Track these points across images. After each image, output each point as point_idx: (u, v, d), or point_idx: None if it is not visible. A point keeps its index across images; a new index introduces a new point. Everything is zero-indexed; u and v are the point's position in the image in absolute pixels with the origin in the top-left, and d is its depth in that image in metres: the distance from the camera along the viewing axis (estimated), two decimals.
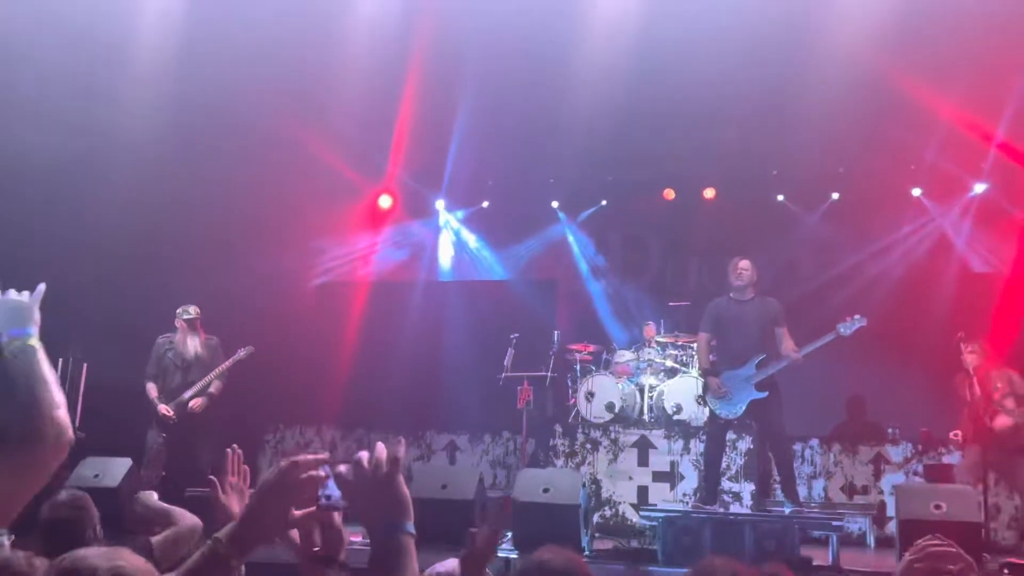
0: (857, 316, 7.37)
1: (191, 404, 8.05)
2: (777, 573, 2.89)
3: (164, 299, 8.68)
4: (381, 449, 1.84)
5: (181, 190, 10.02)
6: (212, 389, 8.18)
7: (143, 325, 8.74)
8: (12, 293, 2.36)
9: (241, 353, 8.29)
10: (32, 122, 8.88)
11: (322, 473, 1.90)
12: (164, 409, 8.02)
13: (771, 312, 7.75)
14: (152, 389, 8.19)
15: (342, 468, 1.87)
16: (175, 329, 8.37)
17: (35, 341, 2.31)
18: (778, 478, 8.22)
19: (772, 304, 7.83)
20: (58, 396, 2.21)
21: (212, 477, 2.50)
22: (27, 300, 2.35)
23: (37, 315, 2.35)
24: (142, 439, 8.10)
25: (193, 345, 8.26)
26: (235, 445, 2.62)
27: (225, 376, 8.25)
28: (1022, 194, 10.16)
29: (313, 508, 1.96)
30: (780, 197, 11.13)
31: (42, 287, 2.40)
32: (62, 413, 2.20)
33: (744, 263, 7.80)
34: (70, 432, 2.21)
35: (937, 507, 6.15)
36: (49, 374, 2.24)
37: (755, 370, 7.55)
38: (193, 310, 8.34)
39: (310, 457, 1.95)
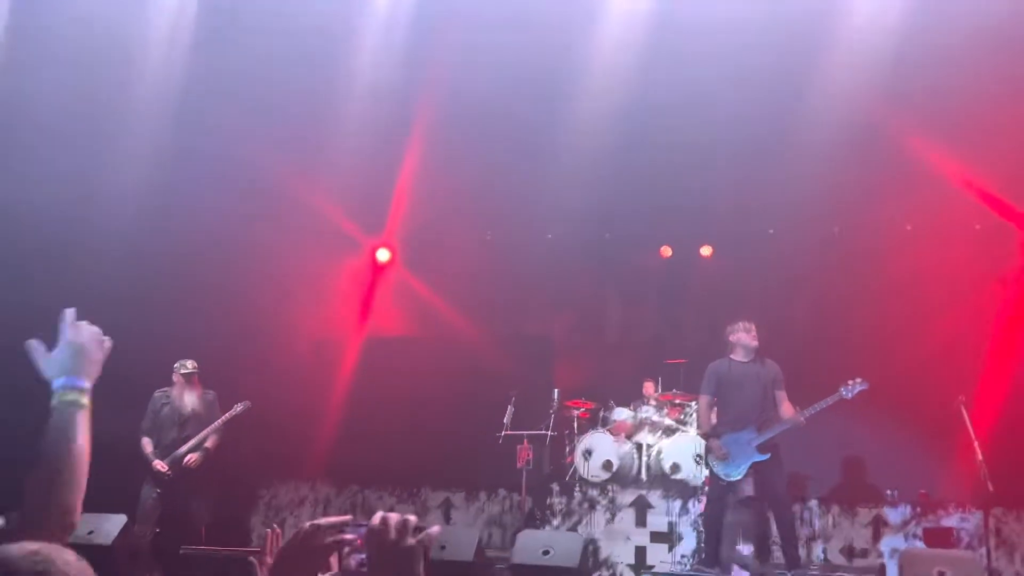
0: (859, 379, 7.39)
1: (187, 460, 7.96)
2: None
3: (160, 352, 8.62)
4: (394, 516, 1.84)
5: (178, 242, 10.02)
6: (208, 444, 8.11)
7: (139, 379, 8.66)
8: (84, 329, 2.13)
9: (238, 408, 8.23)
10: (26, 170, 8.90)
11: (348, 536, 1.89)
12: (160, 465, 7.94)
13: (772, 375, 7.77)
14: (147, 444, 8.12)
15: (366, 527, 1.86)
16: (172, 383, 8.32)
17: (86, 398, 2.10)
18: (777, 540, 8.16)
19: (772, 367, 7.85)
20: (76, 490, 2.01)
21: (252, 559, 2.45)
22: (92, 346, 2.12)
23: (97, 366, 2.12)
24: (136, 495, 7.99)
25: (191, 400, 8.20)
26: (275, 525, 2.55)
27: (221, 431, 8.18)
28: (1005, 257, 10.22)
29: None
30: (776, 256, 11.18)
31: (71, 311, 2.18)
32: (74, 517, 2.01)
33: (753, 327, 7.84)
34: (76, 524, 2.04)
35: (941, 573, 6.11)
36: (83, 444, 2.04)
37: (756, 433, 7.54)
38: (191, 364, 8.29)
39: (333, 520, 1.94)
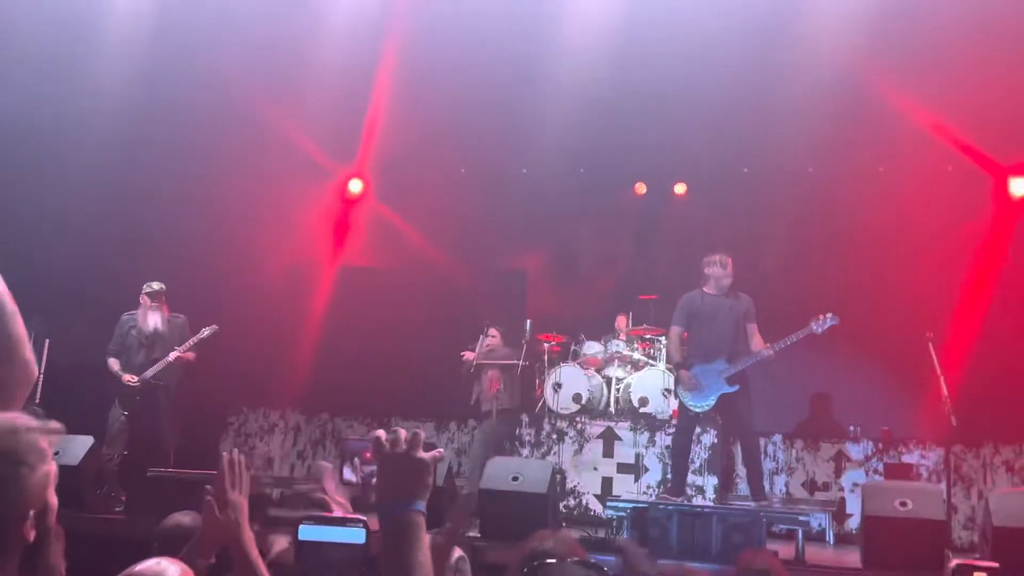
0: (830, 314, 7.46)
1: (183, 355, 7.94)
2: (767, 566, 2.92)
3: (130, 277, 8.53)
4: (402, 432, 1.87)
5: (149, 168, 9.87)
6: (179, 358, 8.02)
7: (108, 303, 8.59)
8: None
9: (205, 332, 8.18)
10: None
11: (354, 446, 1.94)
12: (128, 377, 7.88)
13: (744, 308, 7.83)
14: (114, 363, 8.07)
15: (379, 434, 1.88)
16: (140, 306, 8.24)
17: None
18: (743, 472, 8.29)
19: (745, 300, 7.90)
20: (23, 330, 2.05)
21: (208, 496, 2.39)
22: None
23: None
24: (104, 418, 7.95)
25: (154, 321, 8.13)
26: (235, 450, 2.52)
27: (192, 350, 8.12)
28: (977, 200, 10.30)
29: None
30: (750, 195, 11.19)
31: None
32: (29, 351, 2.06)
33: (730, 261, 7.86)
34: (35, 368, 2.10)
35: (902, 504, 6.23)
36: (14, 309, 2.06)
37: (727, 364, 7.61)
38: (156, 285, 8.21)
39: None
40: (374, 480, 1.89)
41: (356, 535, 2.24)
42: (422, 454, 1.85)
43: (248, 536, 2.34)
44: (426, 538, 1.81)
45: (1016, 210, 10.10)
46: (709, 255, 7.99)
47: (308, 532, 2.27)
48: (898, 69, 8.97)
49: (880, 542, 6.15)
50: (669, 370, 8.99)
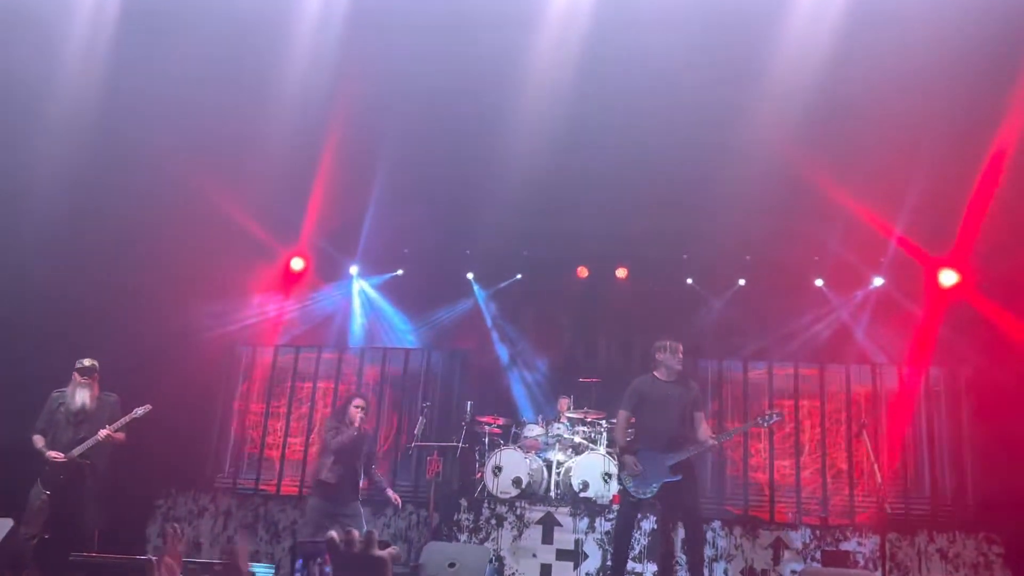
0: (776, 411, 7.55)
1: (112, 435, 7.66)
2: None
3: (61, 354, 8.29)
4: (354, 531, 1.95)
5: (86, 241, 9.70)
6: (108, 437, 7.75)
7: (37, 381, 8.32)
8: None
9: (139, 411, 7.92)
10: None
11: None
12: (54, 454, 7.60)
13: (693, 395, 7.80)
14: (38, 439, 7.77)
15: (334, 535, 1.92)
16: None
17: None
18: (682, 559, 8.21)
19: (694, 388, 7.89)
20: None
21: (152, 558, 2.41)
22: None
23: None
24: (24, 499, 7.62)
25: (82, 397, 7.87)
26: (175, 524, 2.51)
27: (123, 430, 7.85)
28: (917, 289, 10.62)
29: None
30: (689, 280, 11.38)
31: None
32: None
33: (680, 347, 7.86)
34: None
35: None
36: None
37: (671, 453, 7.55)
38: (88, 361, 7.97)
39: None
40: None
41: None
42: (378, 552, 1.86)
43: None
44: None
45: (945, 300, 10.40)
46: (660, 340, 7.97)
47: None
48: (832, 162, 9.25)
49: None
50: (610, 454, 8.94)
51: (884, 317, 10.81)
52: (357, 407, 7.98)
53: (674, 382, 7.80)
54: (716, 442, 7.57)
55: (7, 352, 9.06)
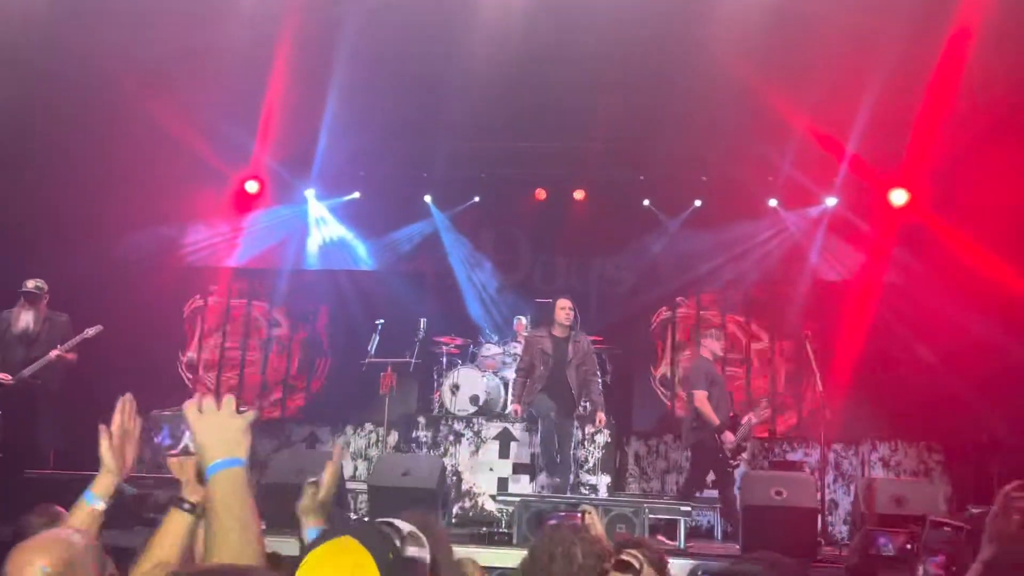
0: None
1: (63, 355, 7.65)
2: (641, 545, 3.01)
3: (13, 277, 8.22)
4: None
5: (37, 166, 9.54)
6: (59, 357, 7.74)
7: None
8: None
9: (89, 332, 7.90)
10: None
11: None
12: (3, 376, 7.59)
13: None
14: None
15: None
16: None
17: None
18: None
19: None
20: None
21: (102, 425, 2.45)
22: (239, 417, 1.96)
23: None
24: None
25: (26, 319, 7.83)
26: (129, 395, 2.54)
27: (73, 350, 7.84)
28: (869, 209, 10.74)
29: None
30: (646, 202, 11.43)
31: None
32: None
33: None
34: None
35: (778, 493, 6.43)
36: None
37: None
38: (32, 283, 7.90)
39: None
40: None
41: None
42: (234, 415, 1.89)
43: None
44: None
45: (896, 219, 10.53)
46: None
47: None
48: (785, 80, 9.24)
49: (757, 530, 6.34)
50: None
51: (837, 236, 10.95)
52: None
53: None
54: None
55: None
